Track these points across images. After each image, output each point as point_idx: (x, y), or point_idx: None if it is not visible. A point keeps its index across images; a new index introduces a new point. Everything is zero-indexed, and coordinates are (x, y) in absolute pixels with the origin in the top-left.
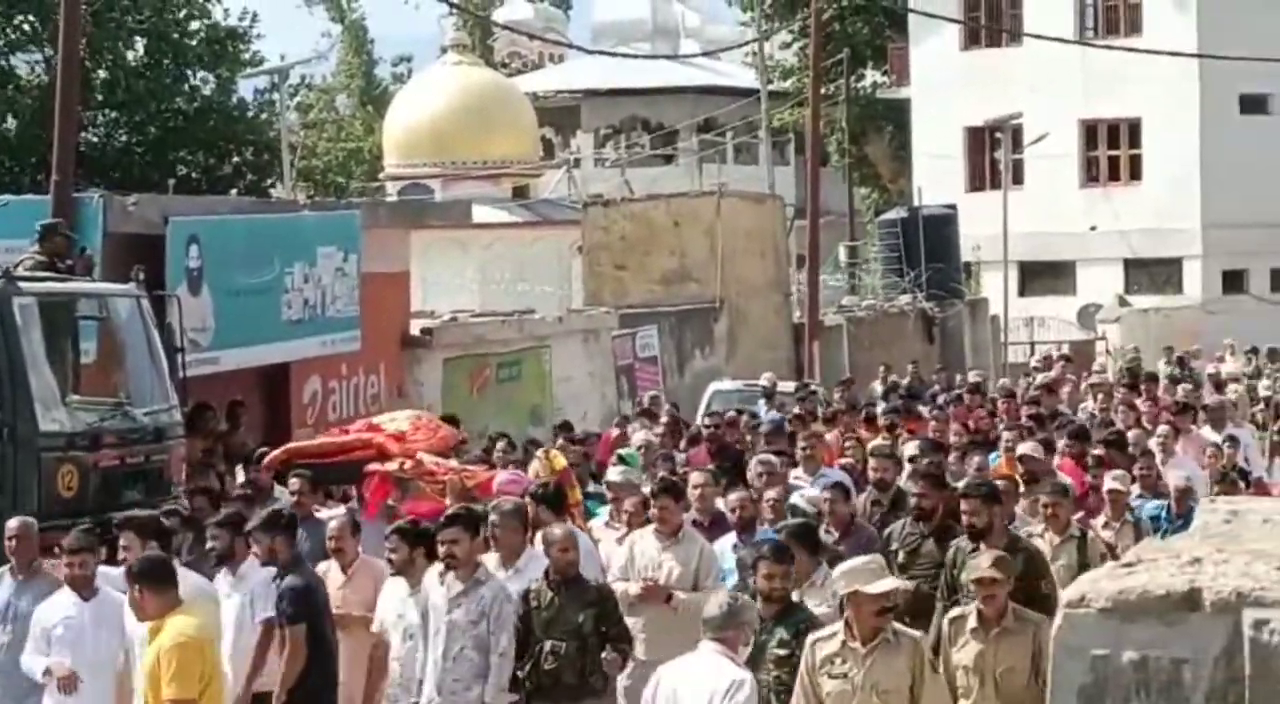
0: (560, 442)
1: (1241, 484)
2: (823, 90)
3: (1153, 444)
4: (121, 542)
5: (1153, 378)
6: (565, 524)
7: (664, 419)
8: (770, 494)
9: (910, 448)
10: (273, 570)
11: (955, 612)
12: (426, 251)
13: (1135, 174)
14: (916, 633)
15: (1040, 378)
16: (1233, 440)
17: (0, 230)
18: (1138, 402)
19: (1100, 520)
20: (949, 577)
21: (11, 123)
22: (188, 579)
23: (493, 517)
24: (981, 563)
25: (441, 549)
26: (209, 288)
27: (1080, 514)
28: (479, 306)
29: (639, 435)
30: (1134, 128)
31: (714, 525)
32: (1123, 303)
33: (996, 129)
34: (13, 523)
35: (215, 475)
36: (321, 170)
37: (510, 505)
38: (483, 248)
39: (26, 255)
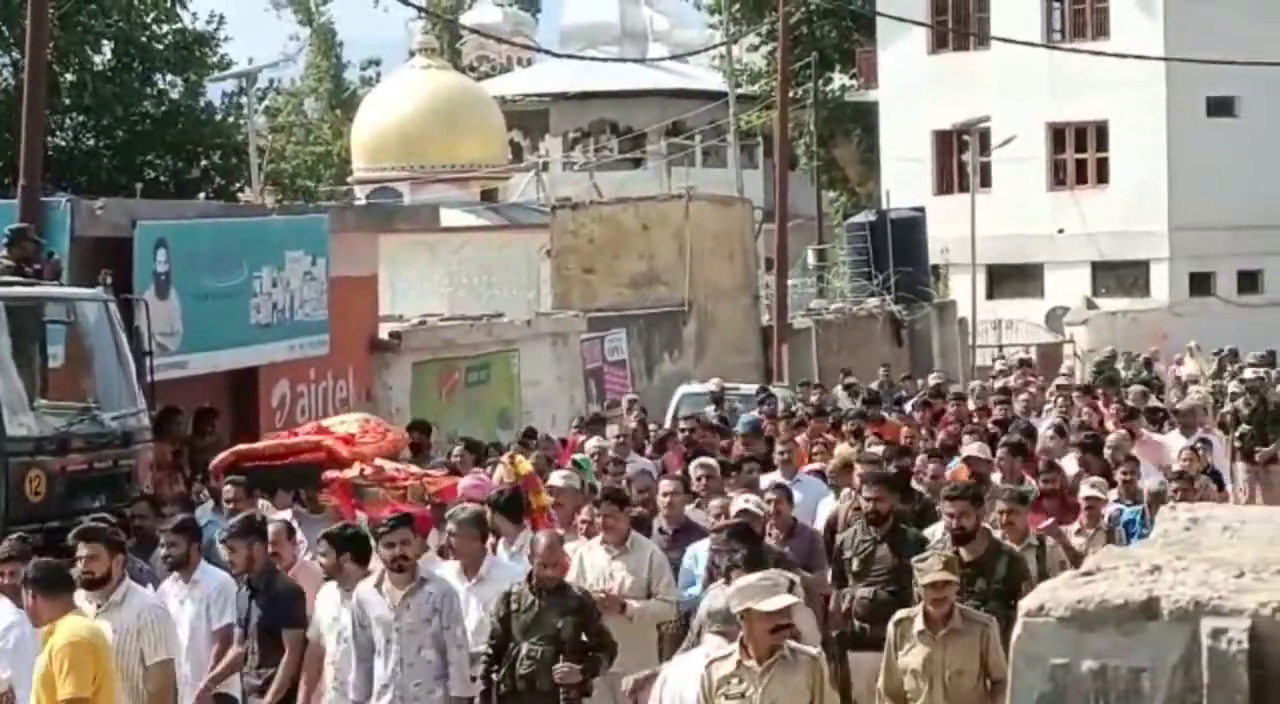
0: (533, 445)
1: (1214, 487)
2: (791, 93)
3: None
4: (86, 552)
5: (1110, 382)
6: (552, 534)
7: (631, 424)
8: (714, 504)
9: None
10: (226, 576)
11: (901, 614)
12: (395, 255)
13: (1103, 177)
14: (814, 649)
15: (999, 383)
16: (1205, 444)
17: None
18: (1099, 405)
19: (1074, 527)
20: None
21: None
22: (137, 596)
23: (450, 525)
24: (933, 566)
25: (390, 551)
26: (177, 292)
27: (1050, 520)
28: (447, 310)
29: (591, 441)
30: (1101, 131)
31: (681, 533)
32: (1090, 305)
33: (964, 132)
34: None
35: (184, 481)
36: (290, 174)
37: (467, 513)
38: (451, 251)
39: None
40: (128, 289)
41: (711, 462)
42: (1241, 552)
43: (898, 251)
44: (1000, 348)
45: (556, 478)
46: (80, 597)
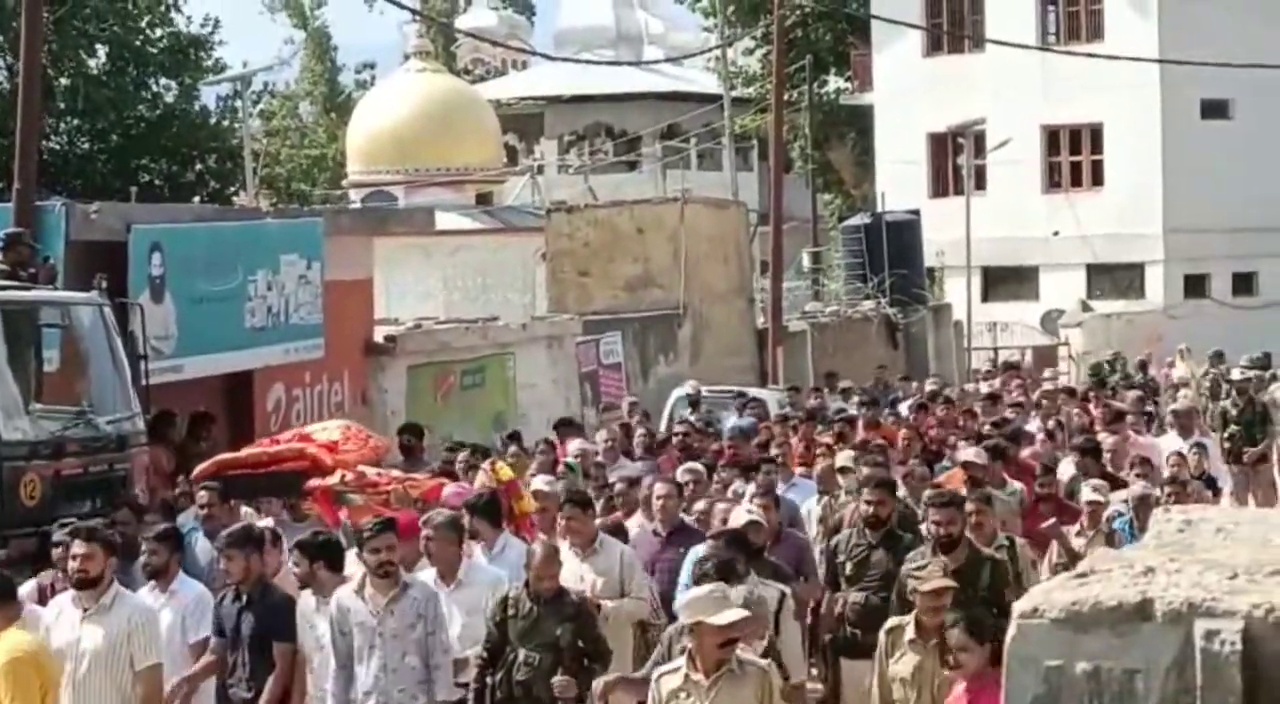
0: (513, 450)
1: (1209, 493)
2: (786, 96)
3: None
4: (83, 551)
5: (1100, 385)
6: (548, 545)
7: (620, 427)
8: (696, 507)
9: (842, 458)
10: (204, 589)
11: (893, 622)
12: (390, 259)
13: (1097, 179)
14: (764, 661)
15: (984, 387)
16: (1201, 447)
17: None
18: (1089, 408)
19: (1074, 529)
20: (904, 589)
21: None
22: (126, 599)
23: (426, 530)
24: (933, 572)
25: (375, 557)
26: (172, 296)
27: (1054, 520)
28: (443, 313)
29: (574, 444)
30: (1096, 133)
31: (675, 535)
32: (1085, 308)
33: (959, 135)
34: None
35: (177, 486)
36: (284, 177)
37: (443, 518)
38: (446, 255)
39: None
40: (122, 293)
41: (699, 467)
42: (1235, 553)
43: (893, 254)
44: (995, 351)
45: (539, 483)
46: (67, 598)
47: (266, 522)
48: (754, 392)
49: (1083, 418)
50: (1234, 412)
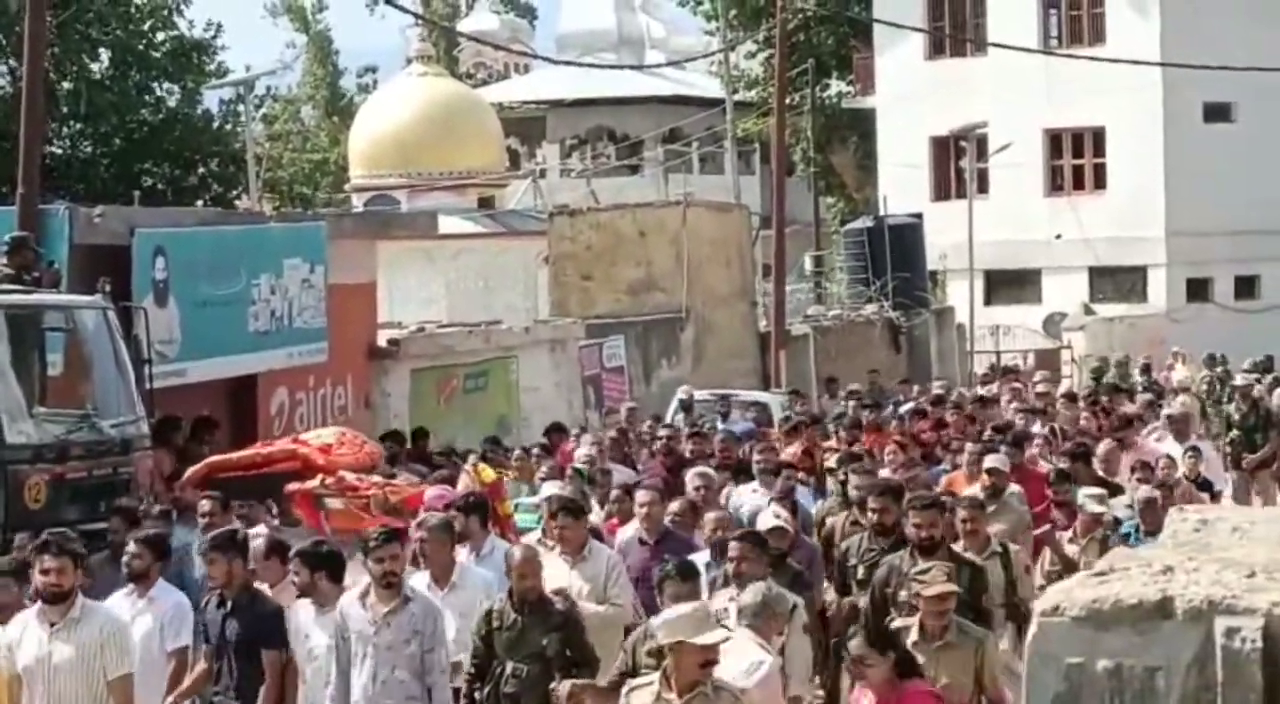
0: (516, 455)
1: (1205, 496)
2: (788, 100)
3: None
4: (54, 565)
5: (1115, 389)
6: (528, 547)
7: (623, 428)
8: (709, 517)
9: (831, 462)
10: (183, 597)
11: (897, 624)
12: (392, 262)
13: (1100, 183)
14: (736, 685)
15: (978, 391)
16: (1196, 451)
17: None
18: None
19: (1066, 535)
20: (880, 594)
21: None
22: (96, 610)
23: (419, 533)
24: (936, 577)
25: (380, 566)
26: (175, 299)
27: (1047, 527)
28: (445, 317)
29: (582, 450)
30: (1098, 136)
31: (661, 542)
32: (1088, 311)
33: (961, 138)
34: None
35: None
36: (287, 181)
37: (437, 520)
38: (449, 258)
39: None
40: (126, 297)
41: (709, 471)
42: (1252, 552)
43: (895, 257)
44: (998, 354)
45: (550, 488)
46: (32, 614)
47: (259, 528)
48: (753, 395)
49: (1089, 422)
50: (1237, 416)
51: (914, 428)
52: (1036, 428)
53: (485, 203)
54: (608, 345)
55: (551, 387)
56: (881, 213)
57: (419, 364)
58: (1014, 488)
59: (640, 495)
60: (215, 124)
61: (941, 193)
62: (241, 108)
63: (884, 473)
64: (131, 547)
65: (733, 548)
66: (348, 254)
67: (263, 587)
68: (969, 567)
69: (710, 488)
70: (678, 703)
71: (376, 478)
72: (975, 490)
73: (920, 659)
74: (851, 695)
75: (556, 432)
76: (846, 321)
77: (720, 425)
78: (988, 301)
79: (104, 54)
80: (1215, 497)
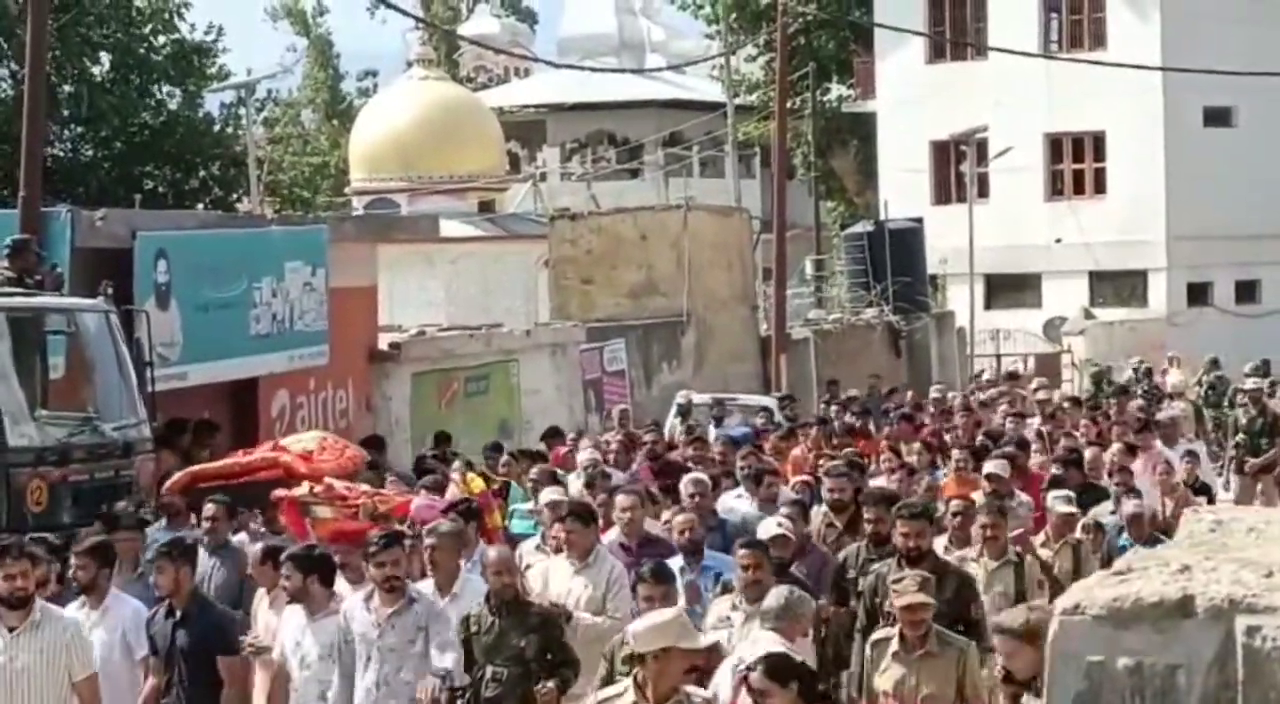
0: (504, 460)
1: (1202, 500)
2: (789, 104)
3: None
4: (17, 569)
5: (1124, 391)
6: (501, 547)
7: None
8: (678, 519)
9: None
10: (140, 604)
11: (879, 634)
12: (393, 266)
13: (1100, 187)
14: (708, 693)
15: (978, 397)
16: (1192, 455)
17: None
18: (1083, 421)
19: (1039, 539)
20: (869, 604)
21: None
22: (54, 614)
23: (430, 539)
24: (908, 587)
25: (381, 571)
26: (177, 302)
27: (1020, 531)
28: (446, 321)
29: (584, 454)
30: (1098, 141)
31: (642, 547)
32: (1088, 316)
33: (962, 142)
34: None
35: None
36: (288, 185)
37: (448, 527)
38: (449, 262)
39: None
40: (128, 300)
41: (703, 477)
42: (1268, 552)
43: (896, 262)
44: (998, 358)
45: (550, 494)
46: (74, 610)
47: (241, 536)
48: (758, 400)
49: (1089, 428)
50: (1244, 420)
51: (904, 435)
52: (1030, 433)
53: (486, 206)
54: (608, 349)
55: (552, 390)
56: (882, 217)
57: (420, 367)
58: (1023, 497)
59: (621, 500)
60: (216, 127)
61: (942, 197)
62: (242, 111)
63: (879, 480)
64: (74, 558)
65: (743, 557)
66: (348, 257)
67: (260, 591)
68: (956, 576)
69: (705, 494)
70: None
71: (365, 486)
72: (978, 496)
73: (900, 669)
74: None
75: (553, 436)
76: (847, 326)
77: (713, 429)
78: (988, 306)
79: (105, 57)
80: (1211, 501)
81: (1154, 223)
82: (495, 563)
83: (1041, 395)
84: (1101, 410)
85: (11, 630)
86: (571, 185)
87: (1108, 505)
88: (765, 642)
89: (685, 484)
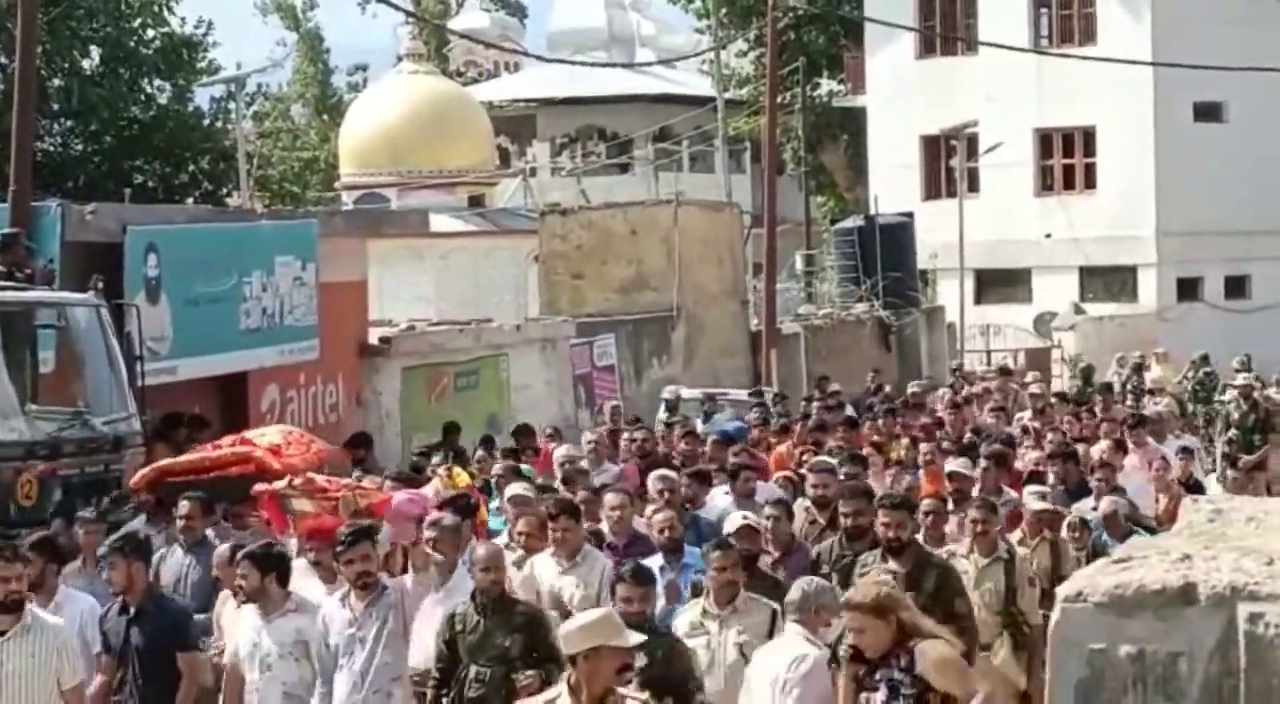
0: (479, 454)
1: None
2: (779, 99)
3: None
4: (11, 572)
5: (1108, 389)
6: (491, 543)
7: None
8: (658, 518)
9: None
10: (92, 599)
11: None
12: (383, 260)
13: (1090, 182)
14: (643, 695)
15: (965, 391)
16: (1187, 452)
17: None
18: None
19: (1015, 536)
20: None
21: None
22: (43, 618)
23: (431, 532)
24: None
25: (351, 568)
26: (167, 297)
27: (999, 527)
28: (436, 315)
29: (560, 450)
30: (1089, 136)
31: (630, 547)
32: (1078, 311)
33: (952, 137)
34: None
35: None
36: (277, 179)
37: (451, 521)
38: (439, 257)
39: None
40: (118, 294)
41: (671, 474)
42: (1268, 541)
43: (886, 257)
44: (988, 353)
45: (517, 489)
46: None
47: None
48: (738, 394)
49: (1072, 425)
50: (1236, 416)
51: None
52: (1017, 428)
53: (475, 201)
54: (598, 344)
55: (542, 385)
56: (872, 212)
57: (410, 362)
58: (1011, 494)
59: (610, 499)
60: (206, 121)
61: (932, 192)
62: (232, 105)
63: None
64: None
65: (714, 560)
66: (338, 252)
67: (224, 594)
68: (937, 568)
69: (674, 490)
70: None
71: (346, 479)
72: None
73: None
74: None
75: (524, 434)
76: (837, 320)
77: (701, 425)
78: (978, 301)
79: (95, 51)
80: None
81: (1144, 218)
82: (485, 560)
83: (1035, 389)
84: (1086, 406)
85: (2, 634)
86: (561, 180)
87: (1091, 501)
88: (786, 634)
89: (653, 481)
